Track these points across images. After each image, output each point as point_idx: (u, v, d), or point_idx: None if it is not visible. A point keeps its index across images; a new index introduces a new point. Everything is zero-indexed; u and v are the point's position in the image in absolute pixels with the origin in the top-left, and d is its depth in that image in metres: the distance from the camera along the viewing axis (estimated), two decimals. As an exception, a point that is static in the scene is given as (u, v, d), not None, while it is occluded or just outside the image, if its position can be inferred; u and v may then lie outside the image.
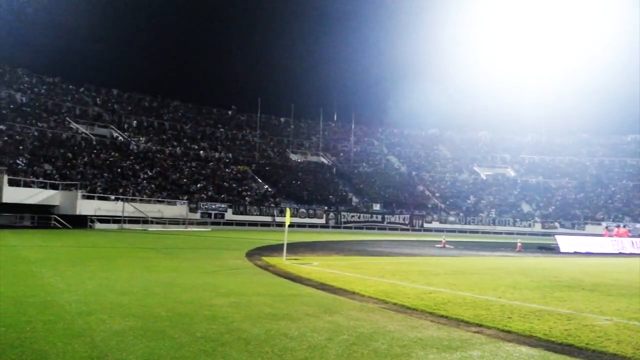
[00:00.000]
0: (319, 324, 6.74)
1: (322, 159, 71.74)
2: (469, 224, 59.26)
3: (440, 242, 29.38)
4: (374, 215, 57.14)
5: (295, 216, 49.18)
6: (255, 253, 18.67)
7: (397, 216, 58.00)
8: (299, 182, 61.48)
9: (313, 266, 14.37)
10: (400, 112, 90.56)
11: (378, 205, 59.84)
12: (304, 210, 53.30)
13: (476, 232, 56.85)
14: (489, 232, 56.57)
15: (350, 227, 54.25)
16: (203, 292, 9.13)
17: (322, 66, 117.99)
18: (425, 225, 57.52)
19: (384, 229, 55.34)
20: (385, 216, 57.18)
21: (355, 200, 61.80)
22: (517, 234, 52.74)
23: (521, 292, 10.45)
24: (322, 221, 53.77)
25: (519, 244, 27.90)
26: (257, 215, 50.10)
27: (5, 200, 34.43)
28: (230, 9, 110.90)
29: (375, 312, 7.81)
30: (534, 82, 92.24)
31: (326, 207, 56.29)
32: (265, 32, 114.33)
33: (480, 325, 7.01)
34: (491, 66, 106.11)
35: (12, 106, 50.91)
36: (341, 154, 74.41)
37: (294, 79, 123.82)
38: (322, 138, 74.47)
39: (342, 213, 55.82)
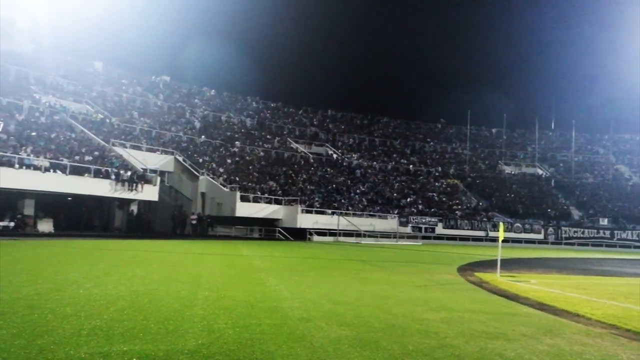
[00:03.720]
0: (538, 347, 6.32)
1: (539, 170, 67.36)
2: None
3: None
4: (601, 231, 51.85)
5: (510, 231, 46.90)
6: (467, 268, 18.18)
7: (630, 232, 51.79)
8: (512, 195, 58.51)
9: (530, 284, 13.50)
10: (629, 115, 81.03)
11: (606, 219, 54.10)
12: (519, 225, 50.51)
13: None
14: None
15: (572, 244, 49.98)
16: (415, 306, 9.15)
17: (537, 73, 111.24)
18: (666, 243, 50.44)
19: (613, 246, 49.86)
20: (615, 232, 51.47)
21: (577, 214, 56.74)
22: None
23: None
24: (540, 236, 50.41)
25: None
26: (468, 229, 48.86)
27: (238, 214, 38.64)
28: (441, 21, 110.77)
29: (604, 338, 7.06)
30: None
31: (544, 222, 52.59)
32: (473, 43, 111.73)
33: None
34: None
35: (242, 130, 57.15)
36: (560, 165, 69.08)
37: (505, 88, 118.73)
38: (538, 148, 69.98)
39: (563, 228, 51.71)
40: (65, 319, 6.63)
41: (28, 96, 39.26)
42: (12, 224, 31.43)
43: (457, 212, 51.90)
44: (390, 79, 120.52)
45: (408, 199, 52.07)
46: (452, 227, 48.82)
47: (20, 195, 30.85)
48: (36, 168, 28.60)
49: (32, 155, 29.64)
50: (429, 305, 9.26)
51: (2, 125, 31.07)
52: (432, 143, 70.76)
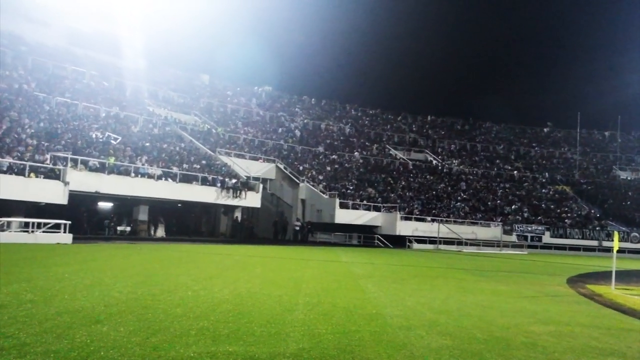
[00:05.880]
0: (658, 367, 5.86)
1: (659, 176, 62.32)
2: None
3: None
4: None
5: (625, 241, 43.76)
6: (577, 280, 17.18)
7: None
8: (629, 203, 54.48)
9: (650, 299, 12.52)
10: None
11: None
12: (636, 235, 46.92)
13: None
14: None
15: (700, 256, 45.69)
16: (520, 318, 8.79)
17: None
18: None
19: None
20: None
21: None
22: None
23: None
24: (662, 247, 46.57)
25: None
26: (578, 238, 46.16)
27: (337, 221, 39.02)
28: (547, 19, 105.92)
29: None
30: None
31: (665, 232, 48.52)
32: (583, 41, 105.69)
33: None
34: None
35: (341, 138, 57.68)
36: (684, 169, 63.56)
37: (619, 87, 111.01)
38: (658, 151, 64.81)
39: (688, 238, 47.38)
40: (175, 319, 7.01)
41: (143, 109, 42.03)
42: (128, 228, 33.75)
43: (566, 220, 49.20)
44: (493, 82, 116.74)
45: (513, 207, 50.08)
46: (560, 236, 46.34)
47: (136, 202, 33.03)
48: (150, 176, 30.50)
49: (146, 164, 31.67)
50: (536, 318, 8.86)
51: (120, 138, 33.46)
52: (538, 148, 67.61)
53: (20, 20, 43.17)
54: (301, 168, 45.31)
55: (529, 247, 43.85)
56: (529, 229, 45.86)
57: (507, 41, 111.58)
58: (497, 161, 62.22)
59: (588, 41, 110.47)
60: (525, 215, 48.68)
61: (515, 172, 59.13)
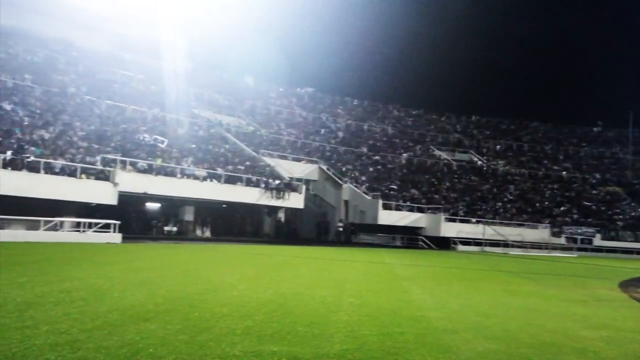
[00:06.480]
0: None
1: None
2: None
3: None
4: None
5: (683, 244, 42.00)
6: (631, 284, 16.58)
7: None
8: (685, 204, 52.32)
9: None
10: None
11: None
12: (694, 238, 45.06)
13: None
14: None
15: None
16: (570, 322, 8.54)
17: None
18: None
19: None
20: None
21: None
22: None
23: None
24: None
25: None
26: (632, 241, 44.59)
27: (380, 222, 38.85)
28: (600, 16, 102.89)
29: None
30: None
31: None
32: (630, 36, 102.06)
33: None
34: None
35: (384, 138, 57.40)
36: None
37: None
38: None
39: None
40: (221, 318, 7.12)
41: (188, 112, 42.86)
42: (174, 228, 34.47)
43: (618, 222, 47.56)
44: (540, 80, 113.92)
45: (561, 208, 48.76)
46: (612, 239, 44.81)
47: (182, 202, 33.73)
48: (195, 177, 31.08)
49: (192, 165, 32.29)
50: (587, 322, 8.60)
51: (166, 140, 34.24)
52: (587, 148, 65.60)
53: (72, 28, 44.68)
54: (344, 169, 45.31)
55: (579, 249, 42.57)
56: (579, 231, 44.53)
57: (554, 38, 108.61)
58: (545, 161, 60.68)
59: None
60: (575, 217, 47.31)
61: (563, 172, 57.54)
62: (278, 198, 34.42)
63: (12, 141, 25.42)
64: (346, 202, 42.16)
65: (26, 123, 28.46)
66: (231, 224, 40.28)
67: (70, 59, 41.48)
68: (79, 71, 40.70)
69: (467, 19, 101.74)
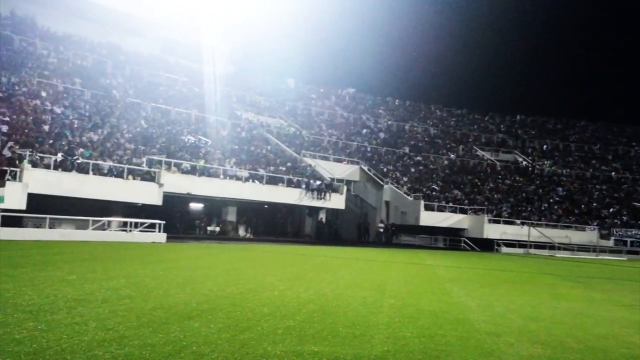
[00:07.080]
0: None
1: None
2: None
3: None
4: None
5: None
6: (684, 289, 15.94)
7: None
8: None
9: None
10: None
11: None
12: None
13: None
14: None
15: None
16: (619, 327, 8.29)
17: None
18: None
19: None
20: None
21: None
22: None
23: None
24: None
25: None
26: (685, 244, 42.81)
27: (422, 223, 38.48)
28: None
29: None
30: None
31: None
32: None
33: None
34: None
35: (426, 139, 56.83)
36: None
37: None
38: None
39: None
40: (263, 317, 7.20)
41: (231, 114, 43.44)
42: (217, 228, 34.99)
43: (671, 224, 45.79)
44: (587, 78, 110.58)
45: (610, 210, 47.23)
46: (664, 242, 43.16)
47: (225, 203, 34.21)
48: (237, 178, 31.49)
49: (234, 166, 32.72)
50: (637, 328, 8.33)
51: (209, 141, 34.80)
52: (638, 147, 63.35)
53: (119, 32, 45.94)
54: (385, 170, 45.08)
55: (629, 252, 41.11)
56: (629, 233, 43.02)
57: (604, 36, 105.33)
58: (593, 161, 58.90)
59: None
60: (625, 219, 45.75)
61: (613, 173, 55.73)
62: (319, 199, 34.52)
63: (63, 143, 26.26)
64: (387, 202, 41.93)
65: (76, 126, 29.37)
66: (272, 225, 40.61)
67: (117, 63, 42.60)
68: (125, 74, 41.76)
69: (512, 19, 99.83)
